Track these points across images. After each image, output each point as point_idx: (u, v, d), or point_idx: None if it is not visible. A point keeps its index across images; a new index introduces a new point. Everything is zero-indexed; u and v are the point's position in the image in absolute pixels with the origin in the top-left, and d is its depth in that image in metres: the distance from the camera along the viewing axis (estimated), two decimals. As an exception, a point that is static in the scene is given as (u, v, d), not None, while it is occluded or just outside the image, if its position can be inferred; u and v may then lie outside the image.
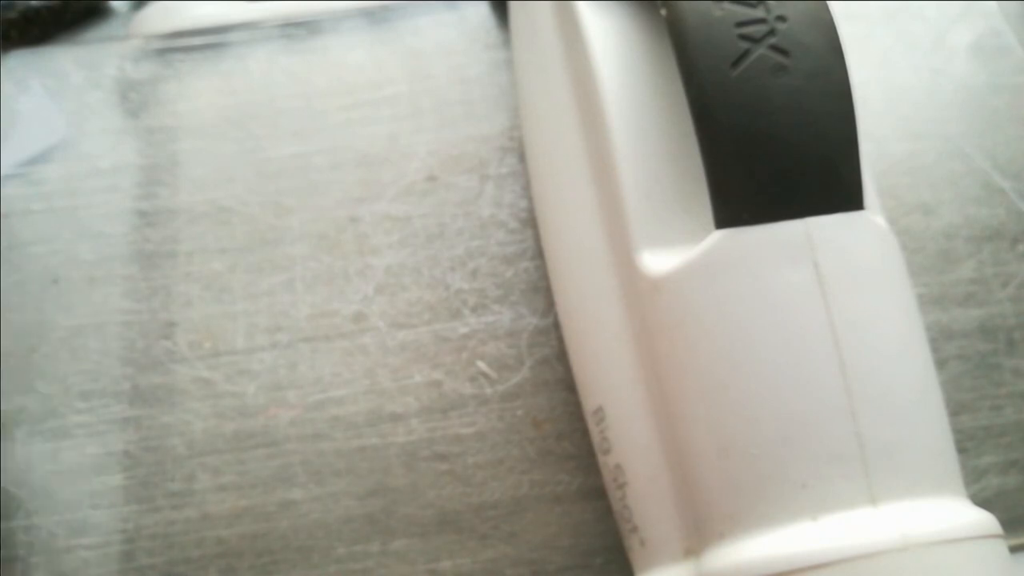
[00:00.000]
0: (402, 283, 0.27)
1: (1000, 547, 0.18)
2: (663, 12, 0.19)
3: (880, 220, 0.20)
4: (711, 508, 0.19)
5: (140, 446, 0.25)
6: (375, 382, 0.26)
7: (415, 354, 0.26)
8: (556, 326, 0.26)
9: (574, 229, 0.23)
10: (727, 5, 0.19)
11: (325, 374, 0.26)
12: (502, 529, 0.25)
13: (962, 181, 0.29)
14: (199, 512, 0.25)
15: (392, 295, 0.27)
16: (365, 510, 0.25)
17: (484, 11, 0.32)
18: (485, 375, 0.26)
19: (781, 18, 0.19)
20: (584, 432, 0.25)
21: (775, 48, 0.18)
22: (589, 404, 0.23)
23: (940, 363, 0.26)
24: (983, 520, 0.18)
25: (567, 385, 0.26)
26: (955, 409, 0.26)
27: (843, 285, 0.18)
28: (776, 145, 0.18)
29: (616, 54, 0.21)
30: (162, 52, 0.31)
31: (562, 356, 0.26)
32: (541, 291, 0.27)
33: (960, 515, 0.18)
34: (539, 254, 0.27)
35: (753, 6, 0.19)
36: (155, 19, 0.32)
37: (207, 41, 0.31)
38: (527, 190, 0.28)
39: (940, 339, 0.26)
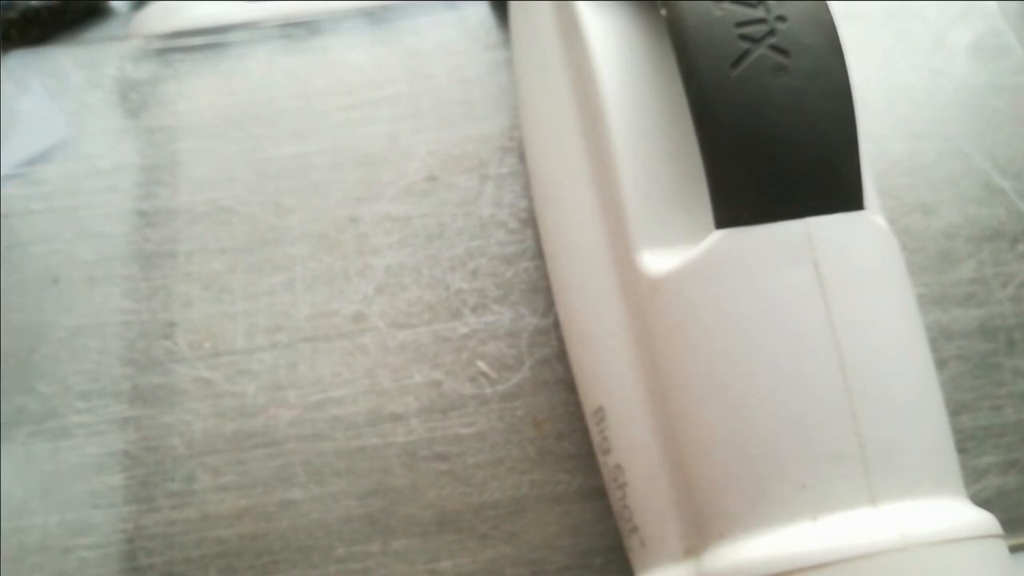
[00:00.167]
0: (402, 283, 0.27)
1: (1000, 547, 0.18)
2: (663, 12, 0.19)
3: (880, 220, 0.20)
4: (711, 508, 0.19)
5: (140, 446, 0.25)
6: (375, 382, 0.26)
7: (415, 354, 0.26)
8: (556, 326, 0.26)
9: (574, 229, 0.23)
10: (727, 5, 0.19)
11: (325, 374, 0.26)
12: (502, 529, 0.25)
13: (962, 181, 0.29)
14: (199, 512, 0.25)
15: (392, 295, 0.27)
16: (365, 510, 0.25)
17: (484, 11, 0.32)
18: (485, 375, 0.26)
19: (781, 18, 0.19)
20: (584, 432, 0.25)
21: (775, 48, 0.18)
22: (589, 404, 0.23)
23: (940, 363, 0.26)
24: (983, 520, 0.18)
25: (567, 385, 0.26)
26: (955, 409, 0.26)
27: (843, 285, 0.18)
28: (776, 145, 0.18)
29: (616, 54, 0.21)
30: (162, 52, 0.31)
31: (562, 356, 0.26)
32: (541, 291, 0.27)
33: (960, 515, 0.18)
34: (539, 254, 0.27)
35: (753, 6, 0.19)
36: (155, 19, 0.32)
37: (207, 41, 0.31)
38: (527, 190, 0.28)
39: (940, 339, 0.26)
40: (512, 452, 0.25)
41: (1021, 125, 0.30)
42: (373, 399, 0.26)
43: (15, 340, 0.27)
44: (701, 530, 0.19)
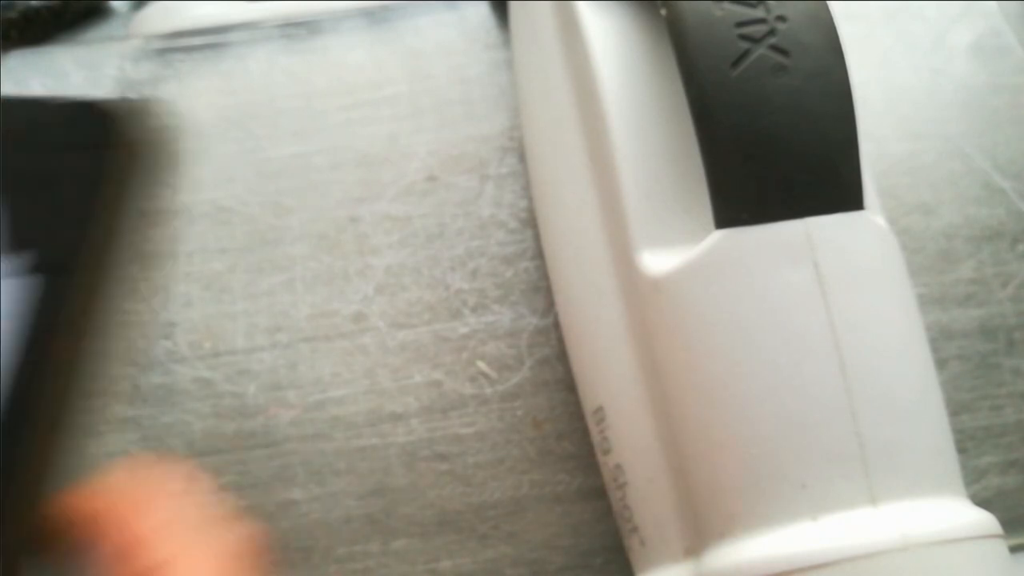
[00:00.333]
0: (402, 283, 0.27)
1: (1000, 547, 0.18)
2: (663, 12, 0.19)
3: (880, 220, 0.20)
4: (711, 508, 0.19)
5: (140, 446, 0.25)
6: (375, 382, 0.26)
7: (415, 354, 0.26)
8: (556, 326, 0.26)
9: (574, 229, 0.23)
10: (727, 5, 0.19)
11: (325, 374, 0.26)
12: (502, 529, 0.25)
13: (962, 181, 0.29)
14: (199, 512, 0.25)
15: (392, 295, 0.27)
16: (365, 510, 0.25)
17: (484, 11, 0.32)
18: (485, 375, 0.26)
19: (781, 18, 0.19)
20: (584, 432, 0.25)
21: (775, 48, 0.18)
22: (589, 404, 0.23)
23: (940, 363, 0.26)
24: (983, 520, 0.18)
25: (567, 385, 0.26)
26: (955, 409, 0.26)
27: (843, 285, 0.18)
28: (776, 145, 0.18)
29: (616, 54, 0.21)
30: (162, 52, 0.31)
31: (562, 356, 0.26)
32: (541, 291, 0.27)
33: (960, 515, 0.18)
34: (539, 254, 0.27)
35: (753, 6, 0.19)
36: (155, 19, 0.32)
37: (207, 41, 0.31)
38: (527, 190, 0.28)
39: (940, 339, 0.26)
40: (512, 452, 0.25)
41: (1021, 125, 0.30)
42: (373, 399, 0.26)
43: (15, 340, 0.27)
44: (701, 530, 0.19)
